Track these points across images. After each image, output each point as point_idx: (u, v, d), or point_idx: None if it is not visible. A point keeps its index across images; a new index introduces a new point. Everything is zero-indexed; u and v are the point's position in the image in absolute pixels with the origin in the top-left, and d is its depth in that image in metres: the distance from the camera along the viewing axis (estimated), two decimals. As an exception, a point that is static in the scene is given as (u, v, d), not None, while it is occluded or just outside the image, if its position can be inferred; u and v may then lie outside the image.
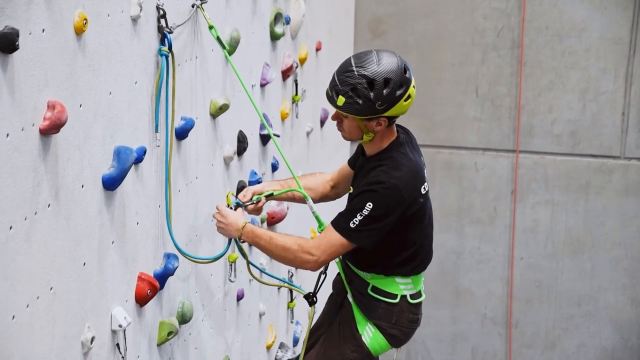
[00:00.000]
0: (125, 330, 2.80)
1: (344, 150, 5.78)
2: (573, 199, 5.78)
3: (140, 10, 2.77)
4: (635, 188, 5.69)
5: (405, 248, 3.16)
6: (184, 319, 3.30)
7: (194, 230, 3.40)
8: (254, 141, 3.96)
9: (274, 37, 4.12)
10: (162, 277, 3.09)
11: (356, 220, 2.97)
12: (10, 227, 2.19)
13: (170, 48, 2.94)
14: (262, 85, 4.03)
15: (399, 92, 2.93)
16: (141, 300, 2.95)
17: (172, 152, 3.05)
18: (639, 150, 5.64)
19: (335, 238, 3.01)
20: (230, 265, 3.77)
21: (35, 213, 2.29)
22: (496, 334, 6.04)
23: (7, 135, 2.14)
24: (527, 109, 5.75)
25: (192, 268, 3.43)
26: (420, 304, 3.29)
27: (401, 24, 5.85)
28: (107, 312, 2.73)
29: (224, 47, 3.24)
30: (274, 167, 4.30)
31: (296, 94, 4.51)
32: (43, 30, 2.25)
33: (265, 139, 4.09)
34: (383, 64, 2.92)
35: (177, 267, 3.15)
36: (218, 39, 3.20)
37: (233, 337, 3.92)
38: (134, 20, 2.76)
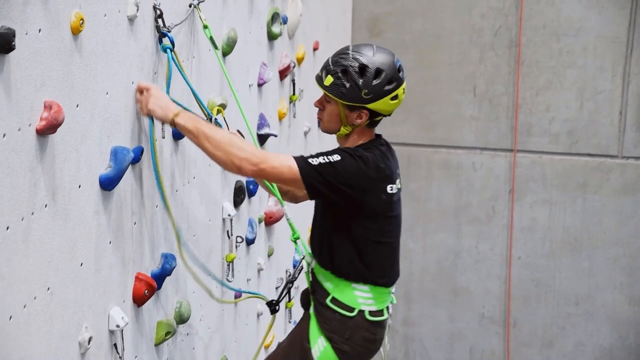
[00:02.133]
0: (122, 331, 2.80)
1: (341, 150, 5.77)
2: (571, 198, 5.79)
3: (137, 10, 2.77)
4: (633, 187, 5.69)
5: (369, 247, 3.01)
6: (181, 319, 3.29)
7: (192, 231, 3.40)
8: (252, 141, 3.96)
9: (271, 37, 4.12)
10: (160, 277, 3.09)
11: (316, 161, 2.82)
12: (7, 228, 2.19)
13: (173, 44, 2.95)
14: (260, 85, 4.03)
15: (387, 87, 2.91)
16: (139, 300, 2.95)
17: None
18: (637, 150, 5.64)
19: (287, 159, 2.82)
20: (228, 265, 3.77)
21: (32, 213, 2.29)
22: (494, 332, 6.04)
23: (4, 135, 2.14)
24: (525, 108, 5.75)
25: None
26: (380, 324, 3.10)
27: (398, 23, 5.85)
28: (104, 313, 2.73)
29: (215, 47, 3.23)
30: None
31: (293, 94, 4.51)
32: (39, 30, 2.25)
33: (262, 138, 4.09)
34: (379, 56, 2.92)
35: (174, 267, 3.14)
36: (211, 38, 3.19)
37: (231, 337, 3.92)
38: (131, 20, 2.76)
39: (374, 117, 2.98)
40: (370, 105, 2.92)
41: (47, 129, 2.29)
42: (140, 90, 2.81)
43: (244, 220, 3.99)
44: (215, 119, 3.17)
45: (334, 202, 2.92)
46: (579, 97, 5.67)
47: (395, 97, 2.94)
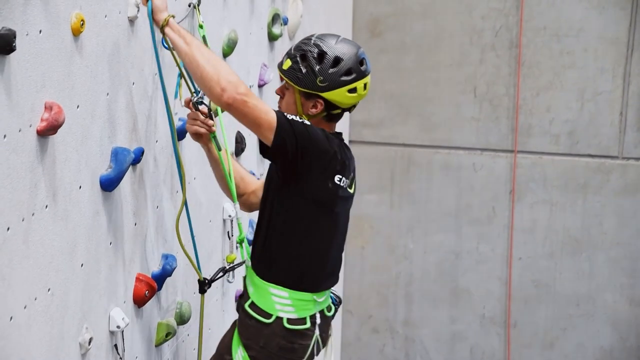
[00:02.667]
0: (123, 331, 2.80)
1: (342, 151, 5.77)
2: (571, 198, 5.78)
3: (138, 11, 2.77)
4: (634, 188, 5.69)
5: (297, 237, 2.88)
6: (182, 319, 3.30)
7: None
8: (251, 142, 3.96)
9: (272, 38, 4.12)
10: (160, 278, 3.09)
11: (291, 117, 2.76)
12: (8, 229, 2.19)
13: None
14: (260, 86, 4.04)
15: (345, 78, 2.83)
16: (139, 301, 2.95)
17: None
18: (637, 150, 5.64)
19: (269, 107, 2.75)
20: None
21: (33, 214, 2.29)
22: (495, 334, 6.04)
23: (5, 136, 2.14)
24: (525, 109, 5.75)
25: (191, 269, 3.43)
26: (300, 333, 2.93)
27: (399, 24, 5.85)
28: (105, 313, 2.73)
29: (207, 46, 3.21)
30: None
31: (294, 95, 4.50)
32: (40, 32, 2.25)
33: (263, 139, 4.09)
34: (341, 45, 2.86)
35: (175, 268, 3.14)
36: (204, 38, 3.19)
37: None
38: (131, 21, 2.76)
39: (331, 110, 2.89)
40: (325, 95, 2.84)
41: (48, 130, 2.29)
42: None
43: (245, 221, 3.99)
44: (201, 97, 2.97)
45: (285, 168, 2.81)
46: (579, 97, 5.67)
47: (354, 90, 2.87)
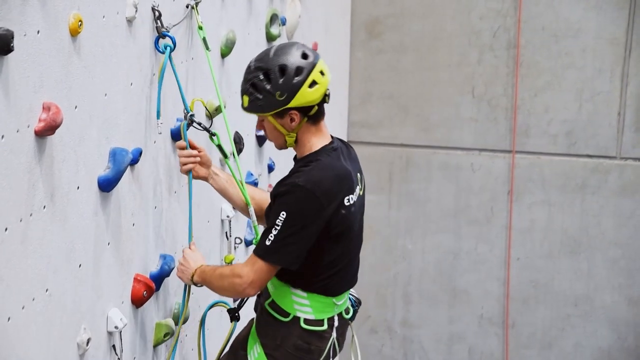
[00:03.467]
0: (121, 332, 2.80)
1: (340, 151, 5.77)
2: (569, 199, 5.79)
3: (136, 11, 2.77)
4: (632, 188, 5.69)
5: (321, 268, 2.90)
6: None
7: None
8: (250, 142, 3.96)
9: (270, 38, 4.12)
10: (158, 278, 3.09)
11: (271, 237, 2.76)
12: (6, 229, 2.19)
13: (174, 44, 2.95)
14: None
15: (297, 79, 2.75)
16: (137, 301, 2.95)
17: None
18: (635, 151, 5.64)
19: (255, 261, 2.81)
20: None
21: (31, 214, 2.29)
22: (493, 334, 6.04)
23: (2, 136, 2.14)
24: (523, 109, 5.75)
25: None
26: (317, 334, 2.96)
27: (398, 25, 5.85)
28: (103, 314, 2.73)
29: (207, 49, 3.22)
30: (270, 168, 4.30)
31: (292, 95, 4.50)
32: (38, 32, 2.25)
33: (261, 139, 4.09)
34: (278, 54, 2.79)
35: (173, 269, 3.15)
36: (204, 39, 3.19)
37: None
38: (129, 21, 2.76)
39: (308, 112, 2.82)
40: (293, 104, 2.77)
41: (46, 131, 2.29)
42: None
43: (243, 221, 3.99)
44: (192, 115, 3.05)
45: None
46: (577, 98, 5.67)
47: (314, 83, 2.78)
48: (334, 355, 3.04)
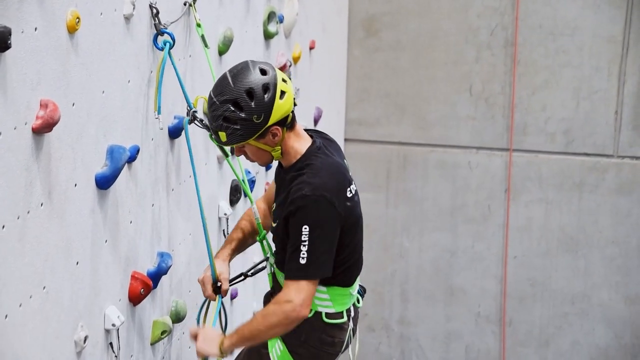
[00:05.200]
0: (118, 330, 2.79)
1: (337, 149, 5.77)
2: (566, 197, 5.79)
3: (133, 8, 2.77)
4: (629, 186, 5.70)
5: (341, 261, 2.94)
6: (177, 317, 3.29)
7: (187, 230, 3.39)
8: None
9: (268, 36, 4.12)
10: (156, 276, 3.09)
11: (304, 254, 2.77)
12: (3, 227, 2.18)
13: (173, 41, 2.95)
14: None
15: (267, 96, 2.73)
16: (134, 299, 2.95)
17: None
18: (632, 149, 5.65)
19: (298, 285, 2.80)
20: (224, 264, 3.77)
21: (28, 212, 2.29)
22: (490, 332, 6.05)
23: (0, 134, 2.14)
24: (521, 107, 5.76)
25: (186, 267, 3.43)
26: (339, 327, 3.02)
27: (395, 23, 5.85)
28: (100, 312, 2.73)
29: (206, 46, 3.22)
30: (267, 166, 4.30)
31: (290, 93, 4.50)
32: (35, 29, 2.25)
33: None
34: (238, 80, 2.74)
35: (170, 266, 3.14)
36: (202, 37, 3.19)
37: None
38: (127, 18, 2.76)
39: (285, 123, 2.82)
40: (271, 121, 2.76)
41: (43, 128, 2.29)
42: (194, 336, 2.93)
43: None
44: (195, 112, 3.04)
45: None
46: (574, 96, 5.67)
47: (283, 93, 2.76)
48: (348, 345, 3.10)
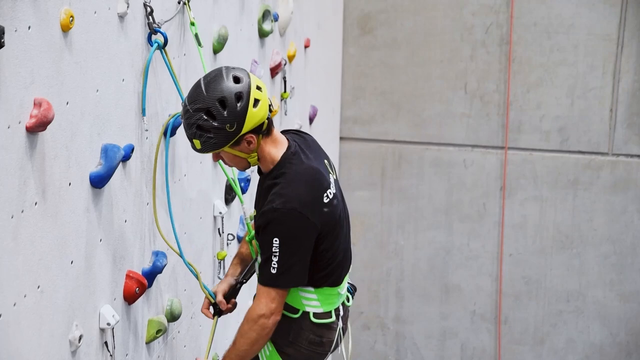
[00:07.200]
0: (113, 329, 2.79)
1: (332, 147, 5.78)
2: (561, 195, 5.80)
3: (127, 7, 2.76)
4: (623, 184, 5.71)
5: (324, 263, 2.93)
6: (172, 316, 3.29)
7: (182, 228, 3.39)
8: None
9: (262, 34, 4.11)
10: (151, 275, 3.08)
11: (274, 264, 2.79)
12: (-3, 226, 2.18)
13: (166, 40, 2.94)
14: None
15: (240, 105, 2.70)
16: (129, 298, 2.94)
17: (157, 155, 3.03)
18: (627, 147, 5.66)
19: (268, 292, 2.83)
20: (219, 263, 3.77)
21: (22, 211, 2.28)
22: (485, 330, 6.05)
23: (-7, 133, 2.13)
24: (516, 105, 5.76)
25: (182, 266, 3.42)
26: (327, 327, 3.02)
27: (390, 21, 5.85)
28: (95, 311, 2.73)
29: (200, 45, 3.22)
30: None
31: (285, 91, 4.51)
32: (29, 28, 2.24)
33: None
34: (211, 88, 2.71)
35: (165, 265, 3.14)
36: (196, 35, 3.18)
37: (222, 334, 3.91)
38: (121, 17, 2.75)
39: (260, 130, 2.79)
40: (245, 129, 2.73)
41: (37, 127, 2.28)
42: None
43: (235, 217, 3.99)
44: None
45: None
46: (569, 94, 5.68)
47: (257, 102, 2.73)
48: (338, 345, 3.09)
